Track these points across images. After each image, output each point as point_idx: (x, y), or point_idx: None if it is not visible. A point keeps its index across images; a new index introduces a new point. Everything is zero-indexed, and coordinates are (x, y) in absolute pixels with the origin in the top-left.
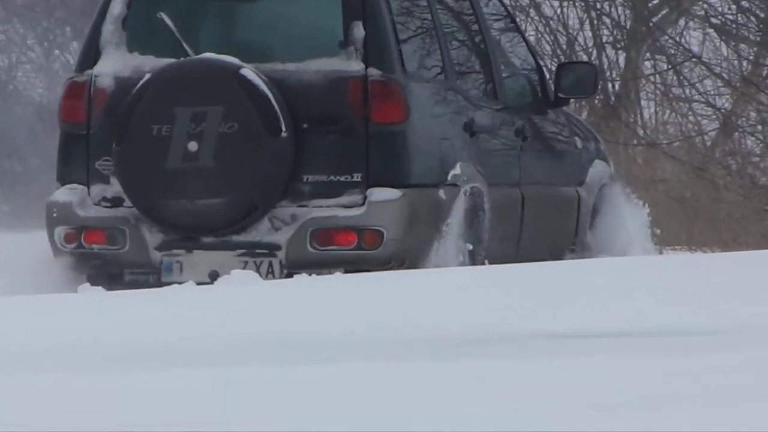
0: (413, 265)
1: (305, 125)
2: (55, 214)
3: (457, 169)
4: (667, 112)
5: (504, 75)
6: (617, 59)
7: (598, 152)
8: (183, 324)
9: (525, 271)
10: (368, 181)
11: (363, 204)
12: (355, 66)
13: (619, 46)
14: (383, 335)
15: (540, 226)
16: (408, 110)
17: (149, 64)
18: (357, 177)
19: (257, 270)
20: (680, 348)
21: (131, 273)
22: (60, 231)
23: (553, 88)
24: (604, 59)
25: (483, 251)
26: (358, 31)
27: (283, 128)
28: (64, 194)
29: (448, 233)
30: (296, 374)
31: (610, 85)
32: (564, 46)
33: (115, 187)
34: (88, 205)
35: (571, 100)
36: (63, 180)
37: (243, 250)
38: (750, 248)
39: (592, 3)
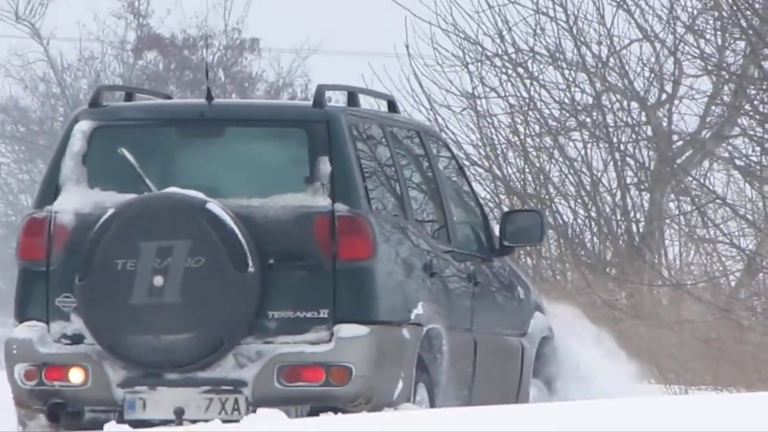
0: (379, 402)
1: (271, 260)
2: (14, 351)
3: (419, 309)
4: (692, 252)
5: (455, 219)
6: (641, 200)
7: (537, 304)
8: None
9: (519, 413)
10: (335, 317)
11: (330, 340)
12: (322, 201)
13: (643, 187)
14: None
15: (490, 372)
16: (375, 246)
17: (111, 199)
18: (324, 313)
19: (222, 407)
20: None
21: (92, 411)
22: (20, 368)
23: (498, 236)
24: (629, 200)
25: (441, 393)
26: (325, 166)
27: (250, 264)
28: (23, 331)
29: (410, 373)
30: None
31: (634, 226)
32: (588, 187)
33: (75, 324)
34: (48, 341)
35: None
36: (21, 317)
37: (208, 387)
38: None
39: (616, 145)
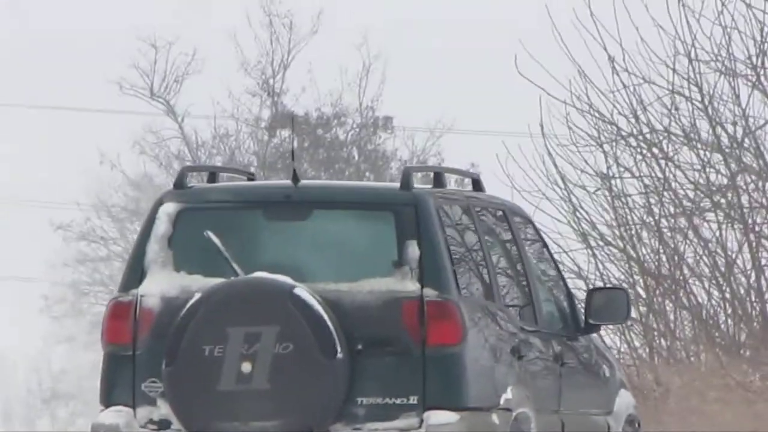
0: None
1: (359, 346)
2: None
3: (508, 393)
4: None
5: (540, 298)
6: None
7: (622, 381)
8: None
9: None
10: (425, 404)
11: (420, 427)
12: (411, 286)
13: None
14: None
15: None
16: (464, 332)
17: (197, 283)
18: (413, 399)
19: None
20: None
21: None
22: None
23: (583, 314)
24: (763, 281)
25: None
26: (413, 250)
27: (339, 350)
28: (110, 416)
29: None
30: None
31: None
32: (722, 269)
33: (162, 410)
34: (134, 428)
35: (605, 326)
36: (107, 402)
37: None
38: None
39: (751, 226)
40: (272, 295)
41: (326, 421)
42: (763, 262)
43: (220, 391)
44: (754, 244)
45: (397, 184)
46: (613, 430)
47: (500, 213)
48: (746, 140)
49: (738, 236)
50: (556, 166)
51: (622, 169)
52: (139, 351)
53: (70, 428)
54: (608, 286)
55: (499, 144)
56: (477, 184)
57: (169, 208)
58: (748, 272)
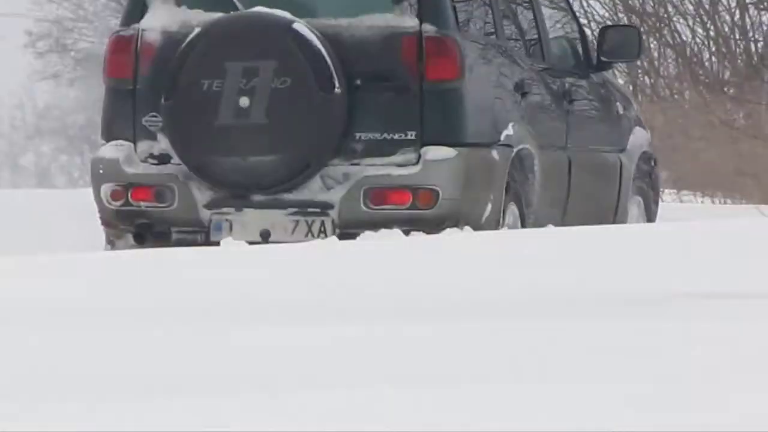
0: (467, 225)
1: (358, 82)
2: (101, 171)
3: (509, 130)
4: None
5: (549, 36)
6: (760, 19)
7: (638, 119)
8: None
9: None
10: (422, 140)
11: (417, 162)
12: (410, 22)
13: (762, 6)
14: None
15: (585, 191)
16: (463, 68)
17: (197, 18)
18: (411, 135)
19: (309, 229)
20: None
21: (178, 231)
22: (107, 188)
23: (596, 52)
24: (747, 19)
25: (532, 215)
26: None
27: (337, 84)
28: (110, 151)
29: (500, 194)
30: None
31: (753, 46)
32: (707, 6)
33: (162, 144)
34: (135, 161)
35: (618, 63)
36: (108, 136)
37: (294, 209)
38: None
39: None
40: (271, 29)
41: (324, 155)
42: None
43: (218, 125)
44: None
45: None
46: (626, 167)
47: None
48: None
49: None
50: None
51: None
52: (139, 85)
53: (53, 164)
54: (622, 24)
55: None
56: None
57: None
58: (733, 10)
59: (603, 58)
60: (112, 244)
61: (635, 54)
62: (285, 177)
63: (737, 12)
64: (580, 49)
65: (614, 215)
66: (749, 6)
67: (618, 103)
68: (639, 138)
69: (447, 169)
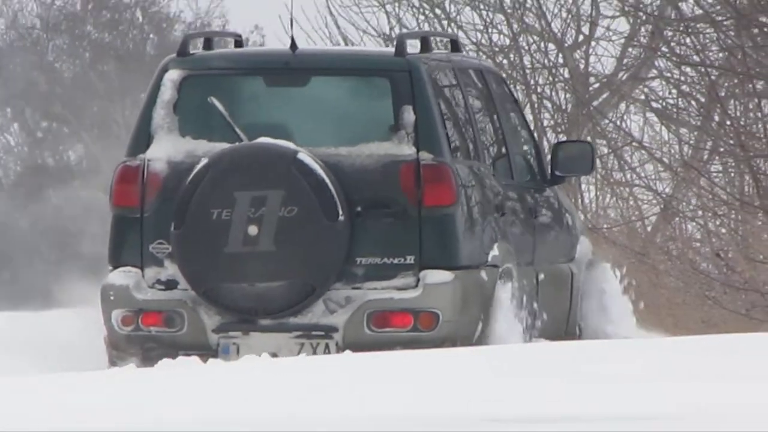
0: (462, 345)
1: (359, 208)
2: (111, 297)
3: (495, 251)
4: (608, 196)
5: (515, 153)
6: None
7: (581, 228)
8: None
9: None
10: (421, 264)
11: (417, 286)
12: (407, 150)
13: (560, 129)
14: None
15: (548, 300)
16: (457, 193)
17: (202, 148)
18: (410, 259)
19: (314, 352)
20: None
21: (186, 355)
22: (117, 314)
23: (549, 167)
24: (545, 143)
25: (507, 326)
26: (409, 115)
27: (340, 212)
28: (119, 277)
29: (488, 312)
30: None
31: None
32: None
33: (169, 270)
34: (143, 288)
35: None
36: (116, 263)
37: (299, 332)
38: (691, 334)
39: (533, 87)
40: (277, 159)
41: (328, 280)
42: (545, 123)
43: (227, 253)
44: (536, 105)
45: (392, 50)
46: (575, 275)
47: (479, 73)
48: (528, 1)
49: (521, 97)
50: (338, 27)
51: (404, 30)
52: (146, 213)
53: None
54: (575, 139)
55: (282, 6)
56: (455, 45)
57: (173, 75)
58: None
59: (557, 173)
60: (114, 364)
61: (588, 168)
62: (291, 302)
63: (535, 134)
64: (535, 164)
65: (566, 323)
66: (547, 129)
67: (567, 215)
68: (584, 247)
69: (446, 292)
